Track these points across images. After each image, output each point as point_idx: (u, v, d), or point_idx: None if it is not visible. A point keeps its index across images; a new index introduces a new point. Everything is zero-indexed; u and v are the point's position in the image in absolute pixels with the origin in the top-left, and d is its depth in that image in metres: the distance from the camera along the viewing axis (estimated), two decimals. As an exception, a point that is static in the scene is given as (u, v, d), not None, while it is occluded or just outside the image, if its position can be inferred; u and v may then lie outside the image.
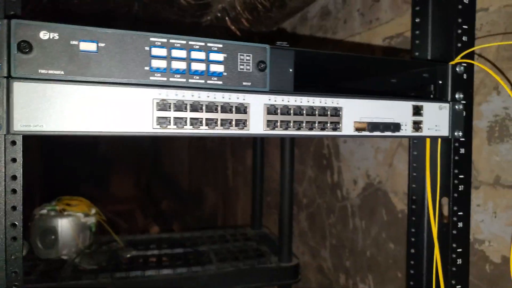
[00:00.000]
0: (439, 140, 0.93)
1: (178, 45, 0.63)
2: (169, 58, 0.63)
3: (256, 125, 0.69)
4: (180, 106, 0.64)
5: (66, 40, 0.56)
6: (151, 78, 0.62)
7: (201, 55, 0.64)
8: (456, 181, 0.94)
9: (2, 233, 0.62)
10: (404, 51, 1.40)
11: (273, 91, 0.71)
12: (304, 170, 2.15)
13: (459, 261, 0.95)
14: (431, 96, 0.95)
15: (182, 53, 0.63)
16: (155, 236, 2.38)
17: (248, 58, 0.68)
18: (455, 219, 0.94)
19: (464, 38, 0.95)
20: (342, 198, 1.79)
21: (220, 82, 0.67)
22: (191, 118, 0.65)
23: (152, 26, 2.15)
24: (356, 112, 0.79)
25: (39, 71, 0.55)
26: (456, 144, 0.94)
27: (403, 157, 1.40)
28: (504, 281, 1.02)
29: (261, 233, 2.30)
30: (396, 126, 0.82)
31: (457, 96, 0.92)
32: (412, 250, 1.01)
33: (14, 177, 0.62)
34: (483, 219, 1.08)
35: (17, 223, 0.63)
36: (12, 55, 0.54)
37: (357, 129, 0.79)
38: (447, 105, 0.88)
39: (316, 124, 0.74)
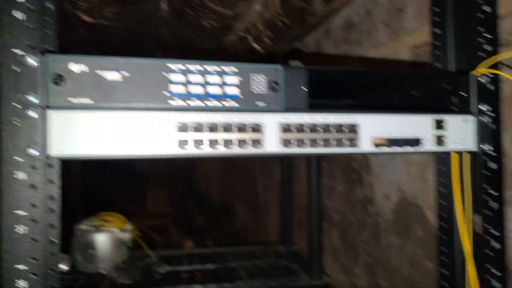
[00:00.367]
0: (466, 154, 0.89)
1: (195, 70, 0.68)
2: (187, 83, 0.67)
3: (271, 144, 0.72)
4: (199, 128, 0.68)
5: (93, 70, 0.62)
6: (171, 102, 0.67)
7: (217, 79, 0.69)
8: (487, 197, 0.88)
9: (42, 249, 0.66)
10: (427, 65, 1.38)
11: (287, 110, 0.74)
12: (333, 185, 2.11)
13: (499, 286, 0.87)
14: (454, 108, 0.92)
15: (199, 78, 0.68)
16: (187, 251, 2.42)
17: (261, 79, 0.72)
18: (489, 239, 0.87)
19: (487, 48, 0.90)
20: (374, 214, 1.73)
21: (236, 104, 0.70)
22: (209, 139, 0.68)
23: (178, 48, 2.24)
24: (373, 127, 0.79)
25: (71, 100, 0.61)
26: (485, 158, 0.89)
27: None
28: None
29: (292, 250, 2.29)
30: (416, 141, 0.81)
31: (482, 108, 0.88)
32: (444, 271, 0.97)
33: (51, 198, 0.68)
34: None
35: (55, 240, 0.68)
36: (47, 87, 0.60)
37: (376, 145, 0.79)
38: (471, 117, 0.86)
39: (333, 141, 0.76)
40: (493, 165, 0.89)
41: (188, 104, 0.68)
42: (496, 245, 0.88)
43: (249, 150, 0.71)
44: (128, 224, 1.93)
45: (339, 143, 0.76)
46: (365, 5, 1.74)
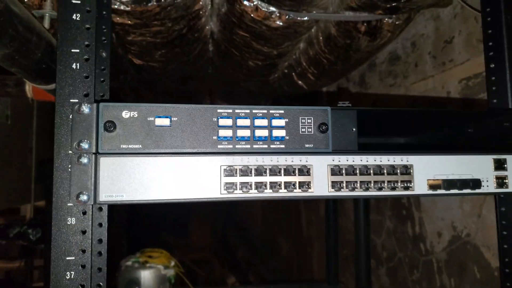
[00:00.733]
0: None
1: (243, 114, 0.67)
2: (234, 127, 0.67)
3: (321, 187, 0.69)
4: (245, 171, 0.67)
5: (143, 117, 0.63)
6: (219, 146, 0.66)
7: (264, 122, 0.68)
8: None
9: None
10: (478, 100, 1.32)
11: (336, 152, 0.71)
12: (381, 221, 2.04)
13: None
14: (515, 147, 0.86)
15: (246, 122, 0.67)
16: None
17: (309, 121, 0.70)
18: None
19: (550, 81, 0.87)
20: (426, 252, 1.64)
21: (283, 146, 0.69)
22: (256, 182, 0.67)
23: (224, 85, 2.29)
24: (429, 169, 0.75)
25: (121, 146, 0.62)
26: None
27: (493, 207, 1.27)
28: None
29: (338, 289, 2.19)
30: (475, 183, 0.76)
31: (545, 147, 0.82)
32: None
33: (100, 241, 0.68)
34: None
35: (101, 284, 0.68)
36: (99, 134, 0.61)
37: (431, 187, 0.74)
38: (534, 157, 0.79)
39: (386, 184, 0.72)
40: None
41: (235, 147, 0.67)
42: None
43: (297, 193, 0.68)
44: (172, 260, 1.94)
45: (392, 185, 0.72)
46: (410, 37, 1.73)
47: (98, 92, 0.68)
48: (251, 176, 0.67)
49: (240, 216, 5.70)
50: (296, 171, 0.69)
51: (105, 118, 0.62)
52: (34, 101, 2.01)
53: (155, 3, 1.17)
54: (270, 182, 0.68)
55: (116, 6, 1.17)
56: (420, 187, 0.74)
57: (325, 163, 0.70)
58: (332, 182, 0.70)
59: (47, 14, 0.94)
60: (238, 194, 0.66)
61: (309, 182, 0.69)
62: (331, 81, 2.28)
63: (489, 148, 0.91)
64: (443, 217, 1.54)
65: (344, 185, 0.71)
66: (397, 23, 1.40)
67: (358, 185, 0.71)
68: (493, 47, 0.96)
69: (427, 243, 1.64)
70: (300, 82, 2.00)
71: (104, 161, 0.62)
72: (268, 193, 0.67)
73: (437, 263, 1.57)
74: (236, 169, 0.67)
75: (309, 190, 0.69)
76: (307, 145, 0.70)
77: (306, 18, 1.31)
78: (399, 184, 0.73)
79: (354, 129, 0.73)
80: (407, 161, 0.74)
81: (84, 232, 0.63)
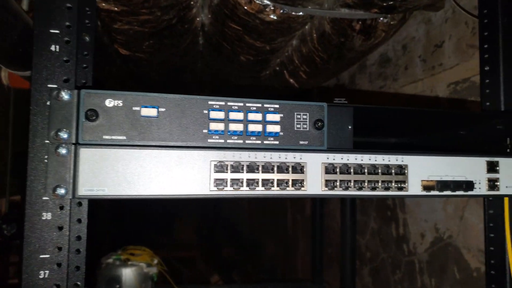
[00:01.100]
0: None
1: (236, 107, 0.64)
2: (226, 120, 0.63)
3: (314, 185, 0.66)
4: (236, 167, 0.63)
5: (129, 106, 0.59)
6: (209, 140, 0.63)
7: (258, 116, 0.64)
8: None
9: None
10: (469, 102, 1.32)
11: (331, 149, 0.68)
12: (366, 221, 2.04)
13: None
14: (508, 150, 0.86)
15: (240, 115, 0.64)
16: (214, 287, 2.35)
17: (304, 117, 0.67)
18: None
19: (545, 85, 0.86)
20: (408, 253, 1.67)
21: (277, 142, 0.66)
22: (247, 179, 0.64)
23: (214, 81, 2.25)
24: (423, 169, 0.73)
25: (104, 137, 0.58)
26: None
27: (476, 210, 1.28)
28: None
29: (322, 289, 2.18)
30: (468, 185, 0.75)
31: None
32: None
33: (78, 238, 0.64)
34: None
35: (79, 283, 0.64)
36: (80, 123, 0.57)
37: (425, 188, 0.73)
38: (528, 161, 0.78)
39: (379, 184, 0.70)
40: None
41: (226, 142, 0.63)
42: None
43: (290, 192, 0.65)
44: (155, 258, 1.90)
45: (386, 185, 0.70)
46: (401, 40, 1.73)
47: (80, 78, 0.63)
48: (243, 172, 0.64)
49: (226, 214, 5.66)
50: (290, 169, 0.66)
51: (86, 106, 0.57)
52: (11, 89, 1.93)
53: (144, -10, 1.13)
54: (263, 180, 0.64)
55: (102, -9, 1.12)
56: (414, 188, 0.72)
57: (319, 161, 0.67)
58: (326, 180, 0.68)
59: (26, -5, 0.89)
60: (228, 191, 0.63)
61: (303, 180, 0.66)
62: (323, 81, 2.26)
63: (482, 150, 0.90)
64: (426, 218, 1.55)
65: (338, 184, 0.68)
66: (392, 23, 1.38)
67: (352, 184, 0.69)
68: (488, 50, 0.95)
69: (410, 244, 1.66)
70: (291, 80, 1.97)
71: (84, 152, 0.57)
72: (260, 190, 0.64)
73: (419, 263, 1.59)
74: (227, 165, 0.63)
75: (302, 188, 0.66)
76: (301, 142, 0.67)
77: (301, 13, 1.28)
78: (393, 184, 0.71)
79: (350, 127, 0.70)
80: (402, 161, 0.72)
81: (60, 228, 0.59)
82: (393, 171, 0.71)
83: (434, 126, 0.95)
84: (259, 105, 0.64)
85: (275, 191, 0.65)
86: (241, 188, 0.63)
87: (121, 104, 0.59)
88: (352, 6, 1.25)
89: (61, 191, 0.56)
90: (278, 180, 0.65)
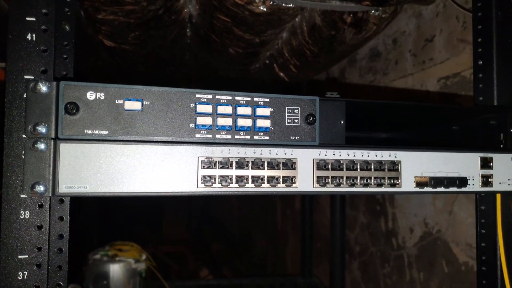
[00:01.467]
0: (514, 195, 0.82)
1: (224, 101, 0.61)
2: (214, 114, 0.61)
3: (305, 182, 0.64)
4: (225, 163, 0.61)
5: (111, 99, 0.56)
6: (197, 135, 0.60)
7: (247, 110, 0.62)
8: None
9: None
10: (459, 96, 1.31)
11: (323, 145, 0.66)
12: (356, 216, 2.05)
13: None
14: (501, 146, 0.85)
15: (228, 109, 0.61)
16: (204, 282, 2.33)
17: (296, 111, 0.65)
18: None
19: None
20: (397, 247, 1.67)
21: (267, 137, 0.63)
22: (236, 176, 0.61)
23: (202, 74, 2.21)
24: (416, 165, 0.71)
25: (85, 131, 0.55)
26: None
27: (464, 204, 1.28)
28: None
29: (312, 283, 2.19)
30: (462, 181, 0.74)
31: (532, 146, 0.81)
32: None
33: (61, 236, 0.61)
34: None
35: (62, 283, 0.61)
36: (59, 117, 0.54)
37: (418, 185, 0.71)
38: (522, 156, 0.78)
39: (372, 180, 0.68)
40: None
41: (214, 137, 0.61)
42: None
43: (281, 189, 0.63)
44: (144, 253, 1.87)
45: (379, 182, 0.69)
46: (392, 34, 1.72)
47: (59, 69, 0.60)
48: (232, 169, 0.61)
49: (215, 209, 5.65)
50: (281, 165, 0.63)
51: (66, 99, 0.54)
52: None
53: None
54: (252, 176, 0.62)
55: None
56: (407, 184, 0.71)
57: (311, 157, 0.65)
58: (317, 177, 0.66)
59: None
60: (216, 188, 0.60)
61: (294, 176, 0.64)
62: (313, 74, 2.23)
63: (475, 146, 0.89)
64: (416, 213, 1.55)
65: (330, 180, 0.66)
66: (383, 16, 1.36)
67: (344, 180, 0.67)
68: (482, 44, 0.94)
69: (399, 238, 1.66)
70: (281, 73, 1.94)
71: (64, 147, 0.54)
72: (249, 187, 0.62)
73: (407, 257, 1.59)
74: (216, 161, 0.60)
75: (294, 185, 0.64)
76: (292, 137, 0.65)
77: (291, 5, 1.25)
78: (386, 180, 0.69)
79: (342, 122, 0.68)
80: (395, 157, 0.70)
81: (40, 227, 0.56)
82: (386, 167, 0.69)
83: (427, 120, 0.94)
84: (249, 98, 0.62)
85: (265, 188, 0.63)
86: (230, 185, 0.61)
87: (103, 97, 0.56)
88: (344, -2, 1.23)
89: (40, 188, 0.53)
90: (268, 176, 0.63)
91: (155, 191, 0.58)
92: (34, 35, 0.53)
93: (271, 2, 1.23)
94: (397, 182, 0.70)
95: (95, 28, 1.43)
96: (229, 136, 0.61)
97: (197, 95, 0.60)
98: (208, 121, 0.60)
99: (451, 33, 1.38)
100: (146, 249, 1.95)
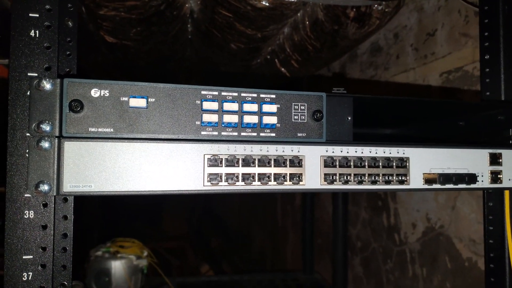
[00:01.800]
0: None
1: (230, 97, 0.60)
2: (220, 111, 0.60)
3: (312, 179, 0.63)
4: (231, 161, 0.60)
5: (116, 96, 0.55)
6: (203, 132, 0.59)
7: (254, 107, 0.61)
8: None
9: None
10: (461, 91, 1.30)
11: (330, 142, 0.65)
12: (357, 212, 2.04)
13: None
14: (510, 141, 0.84)
15: (234, 106, 0.60)
16: (204, 278, 2.33)
17: (302, 107, 0.64)
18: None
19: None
20: (400, 243, 1.66)
21: (273, 134, 0.62)
22: (243, 174, 0.60)
23: (204, 70, 2.19)
24: (424, 162, 0.70)
25: (89, 129, 0.54)
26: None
27: (467, 200, 1.27)
28: None
29: (313, 279, 2.19)
30: (471, 177, 0.73)
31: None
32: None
33: (65, 235, 0.60)
34: None
35: (66, 283, 0.60)
36: (63, 115, 0.53)
37: (427, 181, 0.70)
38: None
39: (380, 177, 0.67)
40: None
41: (220, 134, 0.60)
42: None
43: (288, 186, 0.62)
44: (145, 250, 1.87)
45: (387, 179, 0.68)
46: (393, 28, 1.70)
47: (63, 66, 0.59)
48: (238, 166, 0.60)
49: (215, 205, 5.65)
50: (287, 162, 0.62)
51: (70, 96, 0.53)
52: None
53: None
54: (259, 174, 0.61)
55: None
56: (415, 181, 0.70)
57: (318, 154, 0.64)
58: (325, 174, 0.65)
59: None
60: (223, 186, 0.59)
61: (301, 174, 0.63)
62: (314, 70, 2.22)
63: (483, 142, 0.88)
64: (418, 208, 1.54)
65: (337, 177, 0.65)
66: (386, 10, 1.35)
67: (352, 178, 0.66)
68: (488, 38, 0.92)
69: (401, 234, 1.65)
70: (283, 69, 1.93)
71: (69, 146, 0.53)
72: (256, 185, 0.61)
73: (410, 253, 1.59)
74: (222, 158, 0.59)
75: (301, 182, 0.63)
76: (299, 134, 0.64)
77: (294, 0, 1.24)
78: (394, 177, 0.68)
79: (349, 118, 0.67)
80: (404, 153, 0.69)
81: (44, 227, 0.55)
82: (394, 163, 0.68)
83: (433, 116, 0.93)
84: (255, 95, 0.61)
85: (272, 186, 0.62)
86: (237, 183, 0.60)
87: (107, 94, 0.55)
88: (347, -8, 1.21)
89: (45, 187, 0.52)
90: (275, 174, 0.62)
91: (161, 190, 0.57)
92: (37, 31, 0.52)
93: (274, -3, 1.22)
94: (406, 179, 0.69)
95: (96, 24, 1.41)
96: (235, 133, 0.60)
97: (203, 92, 0.59)
98: (214, 118, 0.59)
99: (453, 27, 1.37)
100: (147, 245, 1.95)
